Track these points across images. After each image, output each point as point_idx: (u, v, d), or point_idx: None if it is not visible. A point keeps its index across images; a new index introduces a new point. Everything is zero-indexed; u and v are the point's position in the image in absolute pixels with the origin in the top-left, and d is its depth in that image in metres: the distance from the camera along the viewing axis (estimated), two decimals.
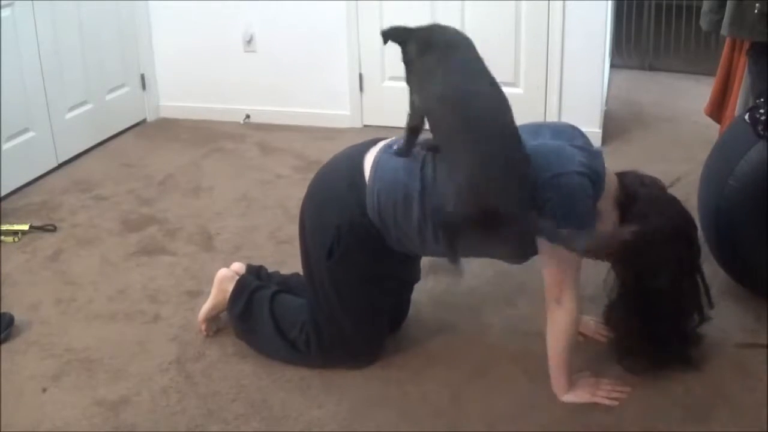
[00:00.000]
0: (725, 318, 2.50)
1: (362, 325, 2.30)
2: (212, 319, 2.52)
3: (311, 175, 2.39)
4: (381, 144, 2.28)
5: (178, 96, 4.52)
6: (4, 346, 2.49)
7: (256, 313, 2.40)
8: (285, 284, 2.53)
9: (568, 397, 2.17)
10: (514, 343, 2.46)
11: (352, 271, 2.24)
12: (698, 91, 4.22)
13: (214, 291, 2.49)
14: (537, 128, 2.22)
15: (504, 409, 2.18)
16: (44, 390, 2.30)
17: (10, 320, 2.55)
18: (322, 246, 2.23)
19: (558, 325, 2.12)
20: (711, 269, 2.75)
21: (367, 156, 2.24)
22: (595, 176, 2.09)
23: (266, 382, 2.31)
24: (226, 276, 2.49)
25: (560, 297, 2.09)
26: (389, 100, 4.12)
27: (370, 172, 2.19)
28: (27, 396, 2.28)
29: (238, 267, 2.57)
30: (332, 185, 2.27)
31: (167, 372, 2.36)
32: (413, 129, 2.12)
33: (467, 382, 2.30)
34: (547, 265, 2.09)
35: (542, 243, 2.06)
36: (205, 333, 2.51)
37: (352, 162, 2.25)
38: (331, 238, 2.20)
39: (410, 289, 2.52)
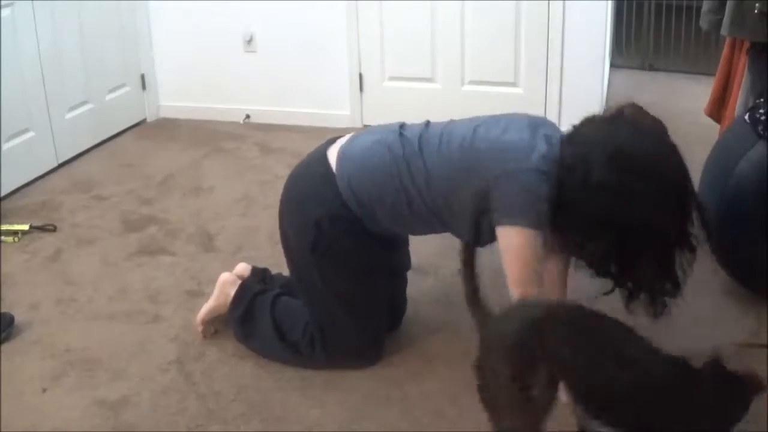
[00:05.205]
0: (725, 318, 2.50)
1: (361, 319, 2.31)
2: (211, 321, 2.51)
3: None
4: (344, 137, 2.35)
5: (178, 96, 4.52)
6: (4, 346, 2.49)
7: (258, 317, 2.40)
8: (287, 287, 2.53)
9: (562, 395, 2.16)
10: None
11: (339, 264, 2.25)
12: (698, 91, 4.22)
13: (215, 294, 2.50)
14: (507, 120, 2.18)
15: None
16: (44, 390, 2.30)
17: (10, 320, 2.55)
18: (306, 245, 2.25)
19: None
20: (711, 269, 2.76)
21: (331, 149, 2.30)
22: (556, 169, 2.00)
23: (266, 382, 2.31)
24: (228, 280, 2.49)
25: (523, 292, 2.05)
26: (389, 100, 4.11)
27: (336, 161, 2.25)
28: (27, 396, 2.28)
29: (243, 268, 2.57)
30: (305, 183, 2.32)
31: (167, 372, 2.36)
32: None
33: (467, 382, 2.29)
34: (508, 261, 2.07)
35: (500, 239, 2.05)
36: (202, 334, 2.51)
37: (318, 157, 2.31)
38: (314, 234, 2.23)
39: (403, 280, 2.53)
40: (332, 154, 2.28)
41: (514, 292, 2.07)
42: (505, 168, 2.04)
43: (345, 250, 2.24)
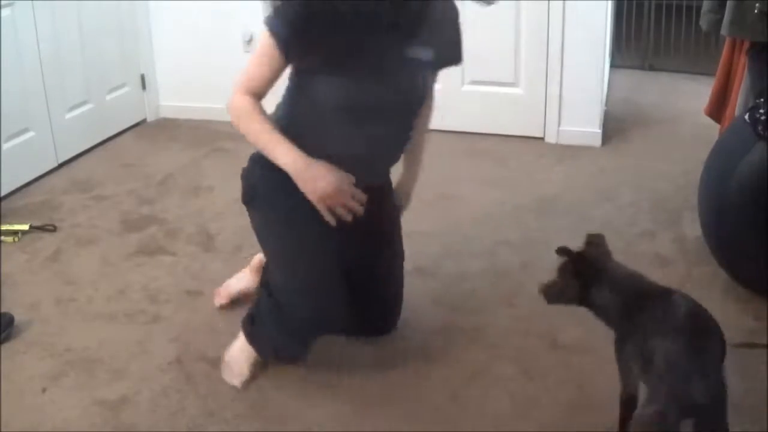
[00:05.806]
0: (725, 318, 2.49)
1: (310, 287, 2.23)
2: (234, 299, 2.63)
3: None
4: None
5: (178, 96, 4.51)
6: (4, 346, 2.49)
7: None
8: None
9: (306, 188, 2.12)
10: (514, 343, 2.46)
11: (277, 210, 2.26)
12: (698, 91, 4.22)
13: (249, 275, 2.65)
14: None
15: (504, 409, 2.18)
16: (44, 390, 2.30)
17: (10, 320, 2.55)
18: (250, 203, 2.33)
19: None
20: (711, 269, 2.76)
21: None
22: None
23: (266, 382, 2.31)
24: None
25: (239, 90, 2.21)
26: None
27: None
28: (27, 396, 2.28)
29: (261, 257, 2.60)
30: None
31: (167, 372, 2.36)
32: None
33: (467, 382, 2.30)
34: (248, 61, 2.23)
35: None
36: (218, 303, 2.64)
37: None
38: (248, 190, 2.30)
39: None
40: None
41: (234, 86, 2.21)
42: None
43: (278, 199, 2.24)
